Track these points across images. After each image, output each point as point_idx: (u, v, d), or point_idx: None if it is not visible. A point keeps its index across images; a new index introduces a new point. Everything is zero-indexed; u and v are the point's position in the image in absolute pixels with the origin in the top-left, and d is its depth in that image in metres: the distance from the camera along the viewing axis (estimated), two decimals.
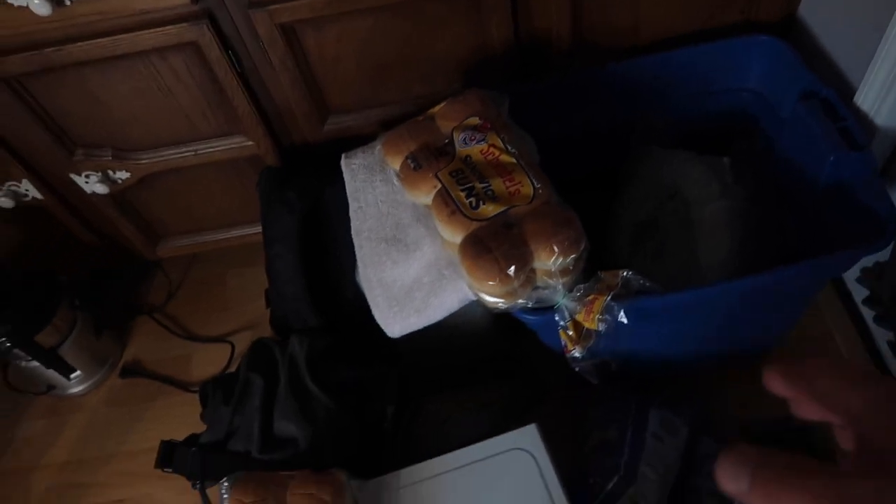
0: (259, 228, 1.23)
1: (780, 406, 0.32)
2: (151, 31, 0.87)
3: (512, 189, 0.76)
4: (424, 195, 0.81)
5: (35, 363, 1.17)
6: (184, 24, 0.87)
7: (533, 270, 0.75)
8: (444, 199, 0.77)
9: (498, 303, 0.75)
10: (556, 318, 0.75)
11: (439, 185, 0.79)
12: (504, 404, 0.99)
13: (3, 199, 1.08)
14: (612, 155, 1.02)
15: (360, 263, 0.91)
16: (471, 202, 0.76)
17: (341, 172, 1.00)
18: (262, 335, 1.22)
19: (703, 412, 0.98)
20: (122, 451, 1.18)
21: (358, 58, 0.96)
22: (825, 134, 0.85)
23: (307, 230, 1.05)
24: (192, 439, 1.04)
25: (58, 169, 1.06)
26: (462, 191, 0.77)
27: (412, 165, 0.82)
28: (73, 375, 1.21)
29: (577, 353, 0.74)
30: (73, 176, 1.07)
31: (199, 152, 1.07)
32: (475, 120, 0.83)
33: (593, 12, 0.95)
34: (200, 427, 1.13)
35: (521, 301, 0.75)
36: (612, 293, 0.71)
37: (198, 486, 1.02)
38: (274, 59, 0.94)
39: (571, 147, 0.95)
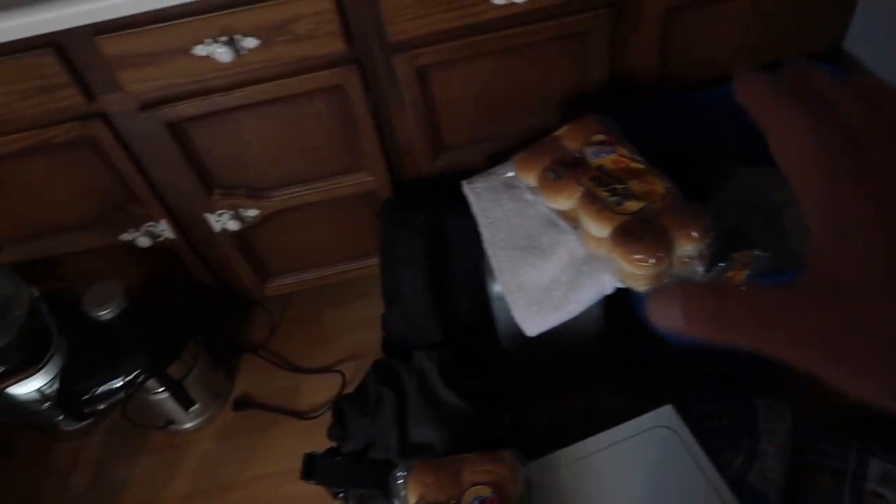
0: (359, 264, 1.34)
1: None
2: (308, 75, 1.00)
3: (647, 189, 0.89)
4: (566, 200, 0.93)
5: (158, 397, 1.23)
6: (336, 69, 1.01)
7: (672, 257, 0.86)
8: (591, 198, 0.89)
9: (647, 282, 0.86)
10: None
11: (582, 189, 0.91)
12: (630, 394, 1.07)
13: (141, 238, 1.17)
14: (690, 172, 1.15)
15: (497, 272, 1.01)
16: (615, 200, 0.88)
17: (456, 202, 1.13)
18: (366, 364, 1.30)
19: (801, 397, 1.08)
20: (243, 479, 1.23)
21: (476, 96, 1.10)
22: None
23: (428, 254, 1.16)
24: (333, 451, 1.10)
25: (195, 208, 1.17)
26: (605, 191, 0.89)
27: (552, 176, 0.94)
28: (191, 409, 1.27)
29: None
30: (206, 215, 1.18)
31: (323, 189, 1.18)
32: (601, 136, 0.96)
33: (677, 49, 1.11)
34: (320, 450, 1.19)
35: (669, 280, 0.86)
36: (749, 269, 0.82)
37: (341, 495, 1.08)
38: (407, 98, 1.07)
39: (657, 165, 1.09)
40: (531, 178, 0.99)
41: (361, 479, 1.07)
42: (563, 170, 0.94)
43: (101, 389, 1.16)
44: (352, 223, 1.28)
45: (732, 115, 1.14)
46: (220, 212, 1.17)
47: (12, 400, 1.17)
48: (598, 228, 0.88)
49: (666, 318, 0.24)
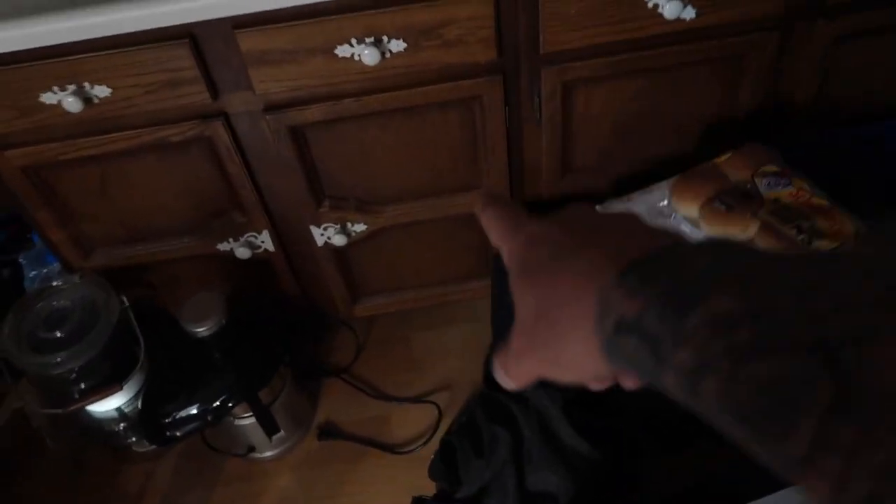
0: (458, 287, 1.25)
1: None
2: (450, 84, 0.93)
3: (835, 228, 0.80)
4: (737, 232, 0.84)
5: (242, 422, 1.14)
6: (480, 79, 0.93)
7: None
8: (775, 235, 0.80)
9: None
10: None
11: (758, 224, 0.83)
12: None
13: (241, 249, 1.09)
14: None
15: None
16: (802, 239, 0.79)
17: None
18: (460, 395, 1.22)
19: None
20: None
21: (615, 117, 1.02)
22: None
23: None
24: (443, 496, 1.01)
25: (300, 220, 1.08)
26: (792, 228, 0.80)
27: (722, 207, 0.85)
28: (275, 436, 1.18)
29: None
30: (312, 227, 1.09)
31: (437, 206, 1.10)
32: (773, 167, 0.88)
33: (834, 80, 1.03)
34: (414, 489, 1.10)
35: None
36: None
37: None
38: (545, 114, 0.99)
39: None
40: (690, 208, 0.90)
41: None
42: (734, 201, 0.86)
43: (185, 413, 1.07)
44: (457, 244, 1.20)
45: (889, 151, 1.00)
46: (326, 225, 1.09)
47: (88, 417, 1.08)
48: None
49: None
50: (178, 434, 1.08)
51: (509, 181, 1.08)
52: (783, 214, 0.82)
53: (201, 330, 1.01)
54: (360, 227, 1.11)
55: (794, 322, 0.20)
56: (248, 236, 1.09)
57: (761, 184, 0.87)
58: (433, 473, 1.07)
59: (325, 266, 1.17)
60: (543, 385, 1.06)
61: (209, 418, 1.07)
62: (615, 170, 1.10)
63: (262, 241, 1.10)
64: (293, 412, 1.21)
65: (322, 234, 1.11)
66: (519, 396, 1.08)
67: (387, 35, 0.86)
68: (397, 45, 0.87)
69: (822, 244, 0.79)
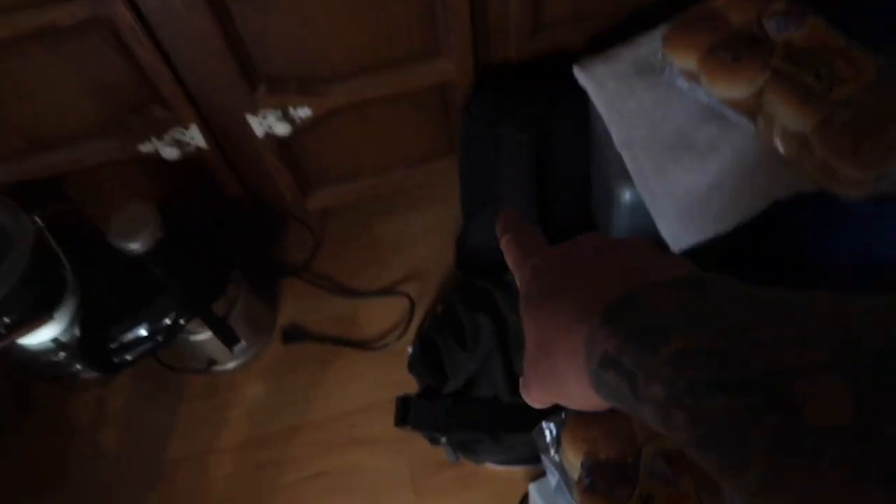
0: (420, 169, 1.14)
1: None
2: None
3: (855, 71, 0.71)
4: (745, 86, 0.75)
5: (198, 337, 1.04)
6: None
7: None
8: (789, 83, 0.71)
9: (858, 187, 0.71)
10: None
11: (768, 73, 0.73)
12: None
13: (168, 148, 0.93)
14: None
15: (637, 177, 0.84)
16: (823, 85, 0.70)
17: (558, 92, 0.93)
18: (430, 284, 1.14)
19: None
20: (309, 422, 1.07)
21: None
22: None
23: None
24: (429, 392, 0.95)
25: (234, 109, 0.92)
26: (809, 73, 0.71)
27: (727, 56, 0.75)
28: (236, 347, 1.08)
29: None
30: (248, 116, 0.94)
31: (392, 80, 0.95)
32: (782, 4, 0.77)
33: None
34: (391, 386, 1.05)
35: (886, 183, 0.70)
36: None
37: (443, 440, 0.94)
38: None
39: None
40: (689, 60, 0.79)
41: (465, 422, 0.93)
42: (740, 48, 0.75)
43: (132, 335, 0.95)
44: (416, 122, 1.06)
45: None
46: (264, 112, 0.94)
47: (23, 352, 0.95)
48: (798, 121, 0.71)
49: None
50: (127, 358, 0.97)
51: (473, 43, 0.94)
52: (798, 59, 0.73)
53: (135, 246, 0.88)
54: (304, 112, 0.96)
55: (746, 360, 0.21)
56: (174, 133, 0.93)
57: (769, 26, 0.76)
58: (414, 369, 1.00)
59: (269, 159, 1.02)
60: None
61: (160, 339, 0.96)
62: (594, 22, 0.96)
63: (192, 138, 0.94)
64: (253, 319, 1.11)
65: (261, 124, 0.95)
66: (498, 280, 1.01)
67: None
68: None
69: (843, 90, 0.70)
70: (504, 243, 0.36)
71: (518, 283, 0.33)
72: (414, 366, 1.01)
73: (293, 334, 1.14)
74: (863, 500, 0.17)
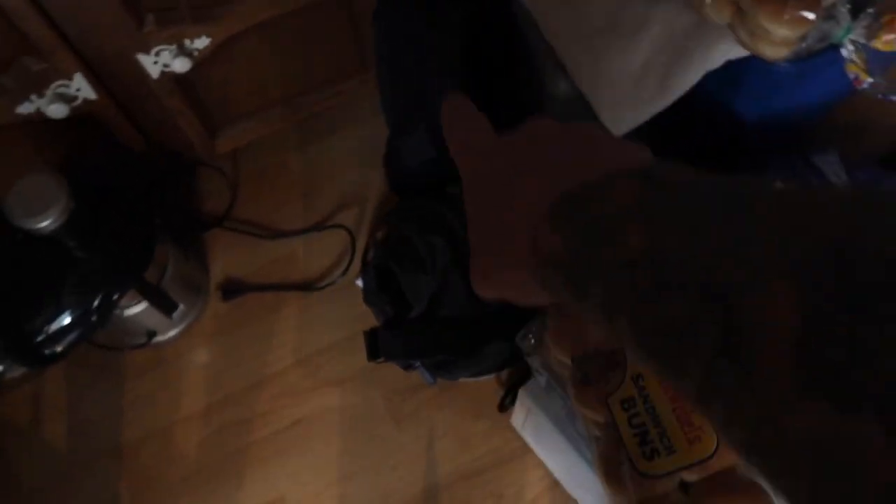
0: (332, 91, 1.07)
1: None
2: None
3: None
4: None
5: (133, 311, 0.96)
6: None
7: None
8: None
9: (785, 47, 0.72)
10: (843, 53, 0.74)
11: None
12: None
13: (53, 106, 0.82)
14: None
15: (571, 67, 0.82)
16: None
17: None
18: (364, 210, 1.11)
19: None
20: (271, 374, 1.03)
21: None
22: None
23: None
24: (395, 321, 0.93)
25: (122, 50, 0.82)
26: None
27: None
28: (174, 313, 1.01)
29: (867, 84, 0.74)
30: (139, 56, 0.83)
31: None
32: None
33: None
34: (347, 321, 1.03)
35: (807, 41, 0.72)
36: None
37: (417, 365, 0.94)
38: None
39: None
40: None
41: (438, 344, 0.92)
42: None
43: (60, 323, 0.86)
44: (323, 39, 0.99)
45: None
46: (157, 49, 0.83)
47: None
48: None
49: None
50: (58, 350, 0.88)
51: None
52: None
53: (46, 223, 0.78)
54: (202, 42, 0.86)
55: (690, 264, 0.20)
56: (57, 87, 0.81)
57: None
58: (372, 302, 0.98)
59: (169, 102, 0.92)
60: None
61: (93, 319, 0.87)
62: None
63: (78, 89, 0.83)
64: (186, 280, 1.03)
65: (155, 63, 0.85)
66: (441, 195, 0.98)
67: None
68: None
69: None
70: (448, 131, 0.33)
71: (462, 172, 0.31)
72: (371, 298, 0.98)
73: (231, 289, 1.08)
74: (803, 413, 0.16)
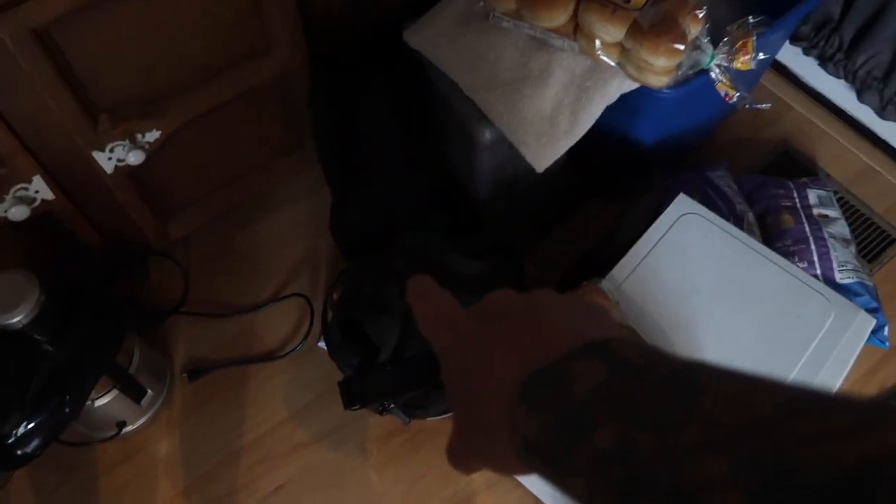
0: (274, 169, 1.15)
1: None
2: None
3: None
4: (561, 13, 0.87)
5: (103, 401, 0.97)
6: None
7: None
8: (599, 3, 0.84)
9: (666, 75, 0.86)
10: (713, 76, 0.88)
11: None
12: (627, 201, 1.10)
13: (14, 209, 0.85)
14: None
15: (492, 115, 0.93)
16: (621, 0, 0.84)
17: (394, 59, 1.00)
18: (317, 276, 1.17)
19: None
20: (246, 444, 1.05)
21: None
22: None
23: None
24: (364, 368, 0.98)
25: (78, 150, 0.87)
26: None
27: None
28: (143, 400, 1.02)
29: (736, 98, 0.89)
30: (95, 154, 0.89)
31: (233, 81, 0.95)
32: None
33: None
34: (319, 384, 1.08)
35: (682, 68, 0.87)
36: (755, 32, 0.86)
37: (391, 406, 0.98)
38: None
39: None
40: (507, 3, 0.90)
41: (411, 382, 0.97)
42: None
43: (32, 422, 0.87)
44: (261, 120, 1.07)
45: None
46: (111, 145, 0.89)
47: None
48: (614, 31, 0.85)
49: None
50: (29, 451, 0.88)
51: (304, 32, 0.97)
52: None
53: (16, 319, 0.80)
54: (153, 135, 0.92)
55: (658, 464, 0.21)
56: (16, 190, 0.85)
57: None
58: (339, 357, 1.03)
59: (123, 195, 0.97)
60: (420, 227, 1.05)
61: (67, 411, 0.88)
62: None
63: (37, 191, 0.87)
64: (151, 367, 1.05)
65: (110, 159, 0.91)
66: (391, 246, 1.05)
67: None
68: None
69: (637, 0, 0.85)
70: (416, 310, 0.34)
71: (435, 347, 0.33)
72: (337, 354, 1.03)
73: (196, 370, 1.10)
74: None
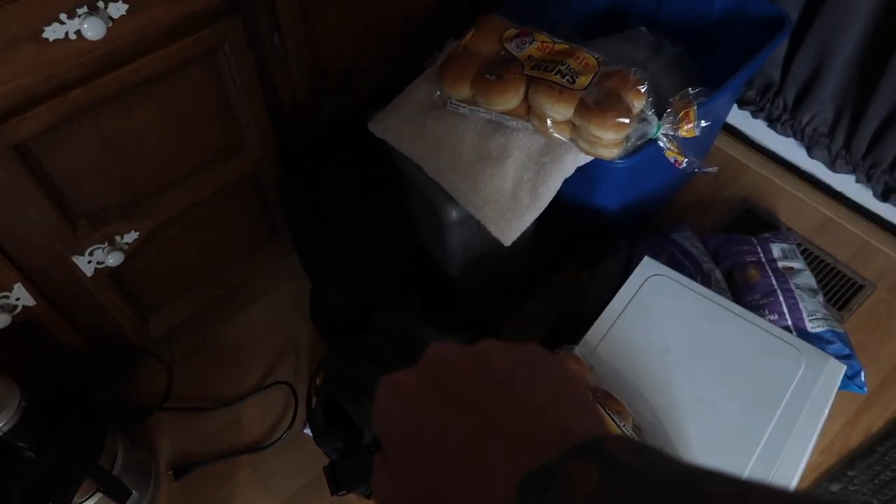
0: (250, 261, 1.18)
1: None
2: (187, 39, 0.82)
3: (583, 63, 0.93)
4: (513, 96, 0.93)
5: None
6: (217, 25, 0.84)
7: None
8: (546, 85, 0.90)
9: (616, 147, 0.91)
10: (661, 144, 0.94)
11: (525, 80, 0.92)
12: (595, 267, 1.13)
13: None
14: None
15: (457, 195, 0.98)
16: (567, 79, 0.90)
17: (361, 148, 1.05)
18: (301, 362, 1.19)
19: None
20: None
21: (356, 26, 1.01)
22: None
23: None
24: (348, 452, 0.98)
25: (58, 256, 0.90)
26: (555, 74, 0.90)
27: (493, 78, 0.92)
28: (128, 502, 1.01)
29: (685, 163, 0.94)
30: (75, 259, 0.92)
31: (208, 182, 1.00)
32: (513, 31, 0.97)
33: None
34: (306, 471, 1.08)
35: (631, 140, 0.92)
36: (695, 102, 0.92)
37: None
38: (290, 45, 0.94)
39: None
40: (463, 90, 0.96)
41: None
42: (500, 69, 0.93)
43: None
44: (236, 215, 1.11)
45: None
46: (91, 249, 0.92)
47: None
48: (563, 110, 0.90)
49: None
50: None
51: (273, 128, 1.02)
52: (542, 66, 0.92)
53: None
54: (131, 237, 0.96)
55: None
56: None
57: (511, 47, 0.96)
58: (324, 441, 1.02)
59: (104, 297, 0.99)
60: (396, 306, 1.07)
61: None
62: (367, 81, 1.10)
63: (18, 299, 0.89)
64: (136, 467, 1.04)
65: (90, 262, 0.93)
66: (366, 328, 1.07)
67: None
68: (118, 9, 0.74)
69: (582, 80, 0.90)
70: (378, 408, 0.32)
71: (377, 421, 0.31)
72: (322, 439, 1.03)
73: (181, 467, 1.09)
74: None
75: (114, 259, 0.94)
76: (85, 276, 0.94)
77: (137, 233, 0.96)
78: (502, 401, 0.28)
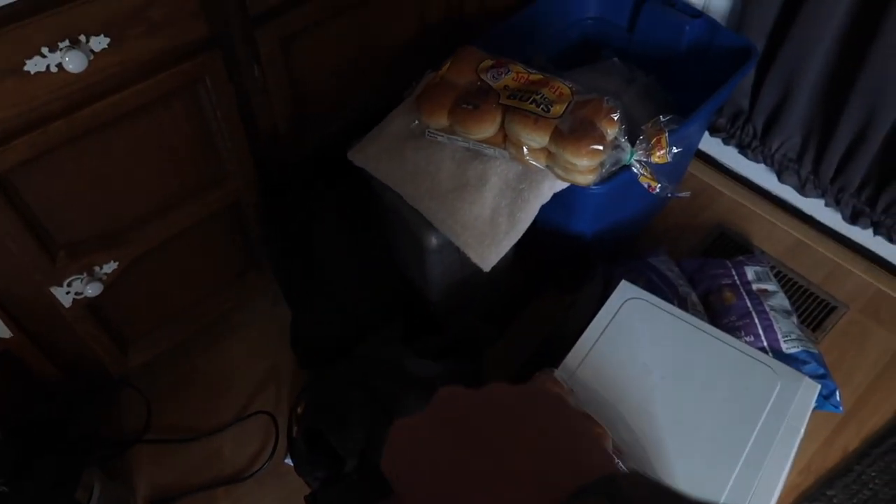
0: (231, 292, 1.18)
1: None
2: (167, 72, 0.84)
3: (557, 92, 0.95)
4: (490, 126, 0.95)
5: None
6: (198, 58, 0.86)
7: None
8: (521, 114, 0.92)
9: (591, 173, 0.93)
10: (634, 171, 0.96)
11: (501, 110, 0.94)
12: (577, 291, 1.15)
13: None
14: None
15: (436, 222, 0.99)
16: (542, 108, 0.93)
17: (341, 175, 1.07)
18: (281, 392, 1.19)
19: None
20: None
21: (335, 59, 1.03)
22: (673, 14, 1.21)
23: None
24: (332, 479, 0.98)
25: (35, 287, 0.90)
26: (530, 104, 0.93)
27: (470, 108, 0.94)
28: None
29: (659, 188, 0.96)
30: (53, 290, 0.91)
31: (188, 213, 1.00)
32: (489, 62, 0.99)
33: None
34: (291, 498, 1.07)
35: (606, 167, 0.94)
36: (667, 129, 0.95)
37: None
38: (270, 77, 0.96)
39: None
40: (440, 120, 0.98)
41: (377, 489, 0.97)
42: (477, 99, 0.95)
43: None
44: (216, 246, 1.11)
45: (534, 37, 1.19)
46: (69, 279, 0.92)
47: None
48: (538, 138, 0.92)
49: None
50: None
51: (254, 159, 1.03)
52: (517, 95, 0.95)
53: None
54: (110, 266, 0.96)
55: None
56: None
57: (487, 78, 0.98)
58: (305, 470, 1.02)
59: (82, 328, 0.99)
60: (378, 334, 1.07)
61: None
62: (348, 111, 1.12)
63: None
64: (113, 501, 1.02)
65: (68, 293, 0.93)
66: (348, 356, 1.08)
67: (85, 33, 0.74)
68: (100, 43, 0.75)
69: (557, 109, 0.93)
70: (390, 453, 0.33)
71: (387, 461, 0.32)
72: (303, 469, 1.02)
73: (161, 501, 1.08)
74: None
75: (92, 290, 0.94)
76: (63, 306, 0.94)
77: (117, 263, 0.96)
78: (514, 442, 0.28)
